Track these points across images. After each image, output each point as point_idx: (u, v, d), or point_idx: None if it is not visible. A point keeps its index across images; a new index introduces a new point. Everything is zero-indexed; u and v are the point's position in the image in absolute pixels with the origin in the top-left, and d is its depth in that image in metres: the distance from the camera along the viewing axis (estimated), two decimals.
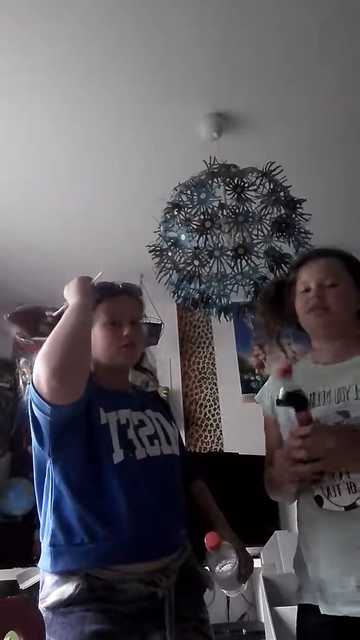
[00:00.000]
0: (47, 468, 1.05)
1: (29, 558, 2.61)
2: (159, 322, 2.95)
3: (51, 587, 0.99)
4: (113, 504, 1.01)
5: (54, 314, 1.19)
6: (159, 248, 1.89)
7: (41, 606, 0.98)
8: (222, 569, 1.01)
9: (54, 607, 0.96)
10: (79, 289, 1.12)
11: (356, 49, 1.79)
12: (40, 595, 1.02)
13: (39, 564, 1.04)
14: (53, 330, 1.03)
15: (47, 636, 0.95)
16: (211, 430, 3.29)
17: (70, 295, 1.12)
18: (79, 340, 1.02)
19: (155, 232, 1.90)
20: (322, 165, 2.40)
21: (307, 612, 1.01)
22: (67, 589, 0.96)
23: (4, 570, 2.55)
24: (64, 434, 1.02)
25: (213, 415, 3.31)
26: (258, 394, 1.28)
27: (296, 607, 1.08)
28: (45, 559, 1.01)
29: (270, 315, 1.26)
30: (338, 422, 1.00)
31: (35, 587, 2.52)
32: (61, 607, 0.96)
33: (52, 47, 1.71)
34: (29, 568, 2.46)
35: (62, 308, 1.14)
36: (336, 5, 1.63)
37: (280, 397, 0.97)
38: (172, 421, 1.23)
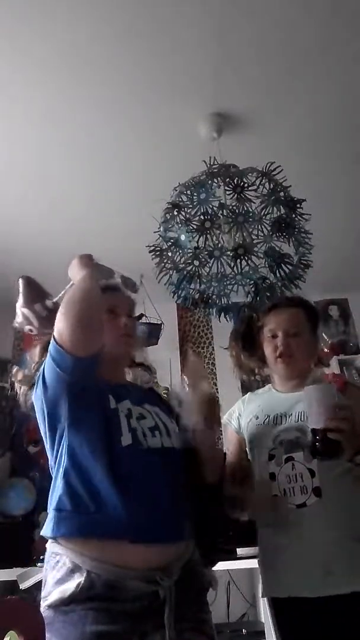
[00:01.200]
0: (62, 436, 1.08)
1: (29, 558, 2.61)
2: (159, 322, 2.95)
3: (53, 586, 0.99)
4: (121, 481, 1.02)
5: (55, 299, 1.26)
6: (159, 248, 1.89)
7: (43, 605, 0.99)
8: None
9: (56, 606, 0.97)
10: (83, 263, 1.20)
11: (356, 49, 1.79)
12: (42, 593, 1.02)
13: (42, 532, 1.05)
14: (67, 295, 1.10)
15: (48, 635, 0.95)
16: None
17: (77, 271, 1.18)
18: (94, 301, 1.10)
19: (155, 232, 1.90)
20: (322, 165, 2.40)
21: (276, 603, 1.22)
22: (69, 587, 0.96)
23: (4, 570, 2.55)
24: (81, 404, 1.07)
25: None
26: (226, 416, 1.48)
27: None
28: (47, 525, 1.03)
29: (242, 352, 1.44)
30: (298, 436, 1.25)
31: (35, 587, 2.53)
32: (63, 605, 0.96)
33: (52, 47, 1.71)
34: (29, 568, 2.46)
35: (60, 295, 1.19)
36: (336, 5, 1.63)
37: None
38: (172, 416, 1.24)
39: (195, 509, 1.14)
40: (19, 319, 1.28)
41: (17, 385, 1.21)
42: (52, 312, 1.20)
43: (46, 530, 1.03)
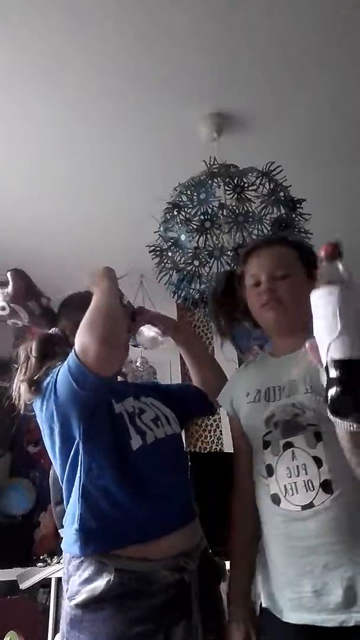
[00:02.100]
0: (77, 453, 1.06)
1: (29, 558, 2.61)
2: None
3: (80, 585, 0.99)
4: (139, 487, 1.04)
5: (51, 299, 1.24)
6: (159, 248, 1.89)
7: (70, 604, 0.99)
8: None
9: (85, 605, 0.97)
10: (108, 276, 1.16)
11: (356, 49, 1.79)
12: (67, 593, 1.02)
13: (66, 550, 1.05)
14: (92, 305, 1.04)
15: (76, 634, 0.97)
16: (211, 430, 3.29)
17: (100, 282, 1.14)
18: (120, 318, 1.06)
19: (155, 232, 1.90)
20: (322, 165, 2.40)
21: (267, 615, 0.99)
22: (99, 585, 0.96)
23: (4, 570, 2.55)
24: (93, 420, 1.05)
25: (213, 416, 3.31)
26: (220, 395, 1.22)
27: None
28: (73, 545, 1.02)
29: (223, 313, 1.18)
30: (296, 413, 0.98)
31: (36, 587, 2.53)
32: (93, 603, 0.97)
33: (52, 47, 1.71)
34: (29, 568, 2.46)
35: (60, 296, 1.17)
36: (336, 5, 1.63)
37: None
38: (165, 403, 1.26)
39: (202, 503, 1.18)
40: (3, 311, 1.23)
41: (16, 384, 1.18)
42: (46, 310, 1.19)
43: (72, 549, 1.02)
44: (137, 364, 2.90)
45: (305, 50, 1.79)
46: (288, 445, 0.97)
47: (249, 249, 1.15)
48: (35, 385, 1.10)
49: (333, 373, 0.62)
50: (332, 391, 0.62)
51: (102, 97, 1.93)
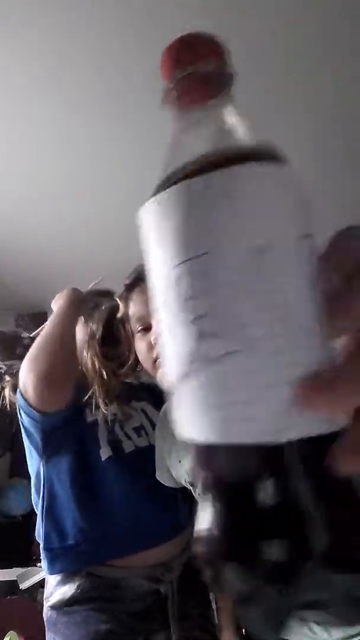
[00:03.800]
0: (40, 471, 1.05)
1: (29, 558, 2.61)
2: None
3: (54, 587, 1.00)
4: (104, 500, 1.00)
5: (32, 334, 1.17)
6: None
7: (46, 605, 0.99)
8: None
9: (58, 607, 0.97)
10: (63, 296, 1.10)
11: (356, 48, 1.79)
12: (45, 594, 1.02)
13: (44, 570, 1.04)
14: (38, 337, 1.01)
15: (51, 635, 0.96)
16: None
17: (55, 303, 1.11)
18: (64, 345, 0.99)
19: None
20: (322, 165, 2.40)
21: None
22: (69, 589, 0.96)
23: (4, 570, 2.55)
24: (55, 437, 1.01)
25: None
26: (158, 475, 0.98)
27: None
28: (43, 563, 1.02)
29: (106, 370, 0.93)
30: None
31: (36, 587, 2.53)
32: (65, 606, 0.96)
33: (52, 47, 1.71)
34: (29, 568, 2.46)
35: (39, 330, 1.13)
36: (337, 4, 1.63)
37: None
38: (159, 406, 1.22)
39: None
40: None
41: (6, 389, 1.16)
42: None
43: (44, 567, 1.02)
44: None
45: (305, 50, 1.79)
46: None
47: (131, 282, 0.89)
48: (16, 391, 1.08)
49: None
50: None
51: (102, 97, 1.93)
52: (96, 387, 0.97)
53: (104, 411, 1.02)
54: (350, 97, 2.01)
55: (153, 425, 1.13)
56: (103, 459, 1.02)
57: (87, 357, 0.97)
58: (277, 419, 0.20)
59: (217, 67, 0.27)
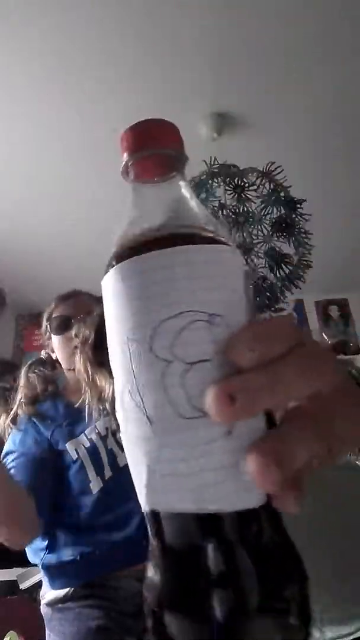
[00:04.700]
0: None
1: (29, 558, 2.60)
2: None
3: (48, 586, 1.02)
4: (99, 525, 1.01)
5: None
6: None
7: (42, 603, 1.01)
8: None
9: (52, 604, 0.99)
10: None
11: (356, 48, 1.79)
12: (41, 592, 1.05)
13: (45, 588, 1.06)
14: None
15: (48, 632, 0.98)
16: None
17: None
18: None
19: None
20: (322, 164, 2.40)
21: None
22: (62, 590, 0.99)
23: (4, 570, 2.55)
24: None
25: None
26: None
27: None
28: (44, 584, 1.04)
29: (103, 374, 0.91)
30: None
31: (36, 587, 2.52)
32: (59, 603, 0.98)
33: (52, 47, 1.71)
34: (29, 568, 2.45)
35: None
36: (336, 4, 1.63)
37: None
38: None
39: None
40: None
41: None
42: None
43: (45, 589, 1.03)
44: None
45: (305, 50, 1.79)
46: None
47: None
48: (13, 422, 1.10)
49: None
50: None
51: (102, 98, 1.93)
52: (89, 393, 0.94)
53: (96, 419, 1.01)
54: (350, 97, 2.01)
55: None
56: (94, 492, 1.02)
57: (80, 362, 0.95)
58: (203, 490, 0.22)
59: (174, 151, 0.29)
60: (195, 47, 1.75)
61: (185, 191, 0.29)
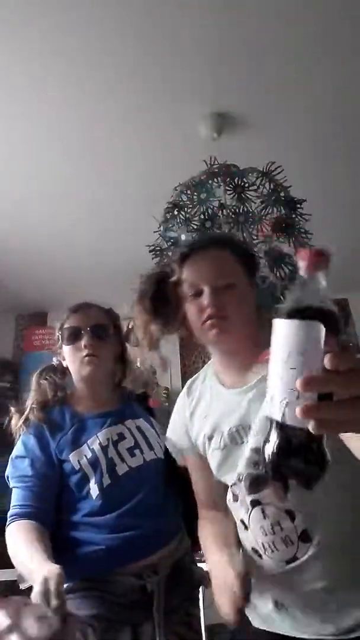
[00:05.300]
0: None
1: None
2: None
3: None
4: (96, 526, 1.09)
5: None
6: (159, 248, 1.89)
7: None
8: None
9: None
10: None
11: (356, 48, 1.79)
12: None
13: None
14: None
15: None
16: None
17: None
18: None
19: (155, 232, 1.90)
20: (322, 165, 2.40)
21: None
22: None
23: (4, 570, 2.55)
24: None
25: None
26: (170, 429, 1.09)
27: None
28: None
29: (154, 324, 0.99)
30: (256, 462, 0.86)
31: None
32: None
33: (52, 47, 1.71)
34: None
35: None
36: (336, 4, 1.63)
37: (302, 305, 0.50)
38: (155, 422, 1.30)
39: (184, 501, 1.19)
40: None
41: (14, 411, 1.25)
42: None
43: None
44: (137, 364, 2.89)
45: (305, 50, 1.79)
46: (256, 502, 0.87)
47: (187, 252, 1.00)
48: (26, 424, 1.20)
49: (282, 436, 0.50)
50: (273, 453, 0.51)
51: (102, 98, 1.93)
52: (142, 337, 1.02)
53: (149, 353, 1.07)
54: (350, 97, 2.01)
55: (147, 442, 1.21)
56: (94, 497, 1.10)
57: (137, 312, 1.01)
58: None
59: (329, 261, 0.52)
60: (195, 47, 1.75)
61: (324, 280, 0.52)
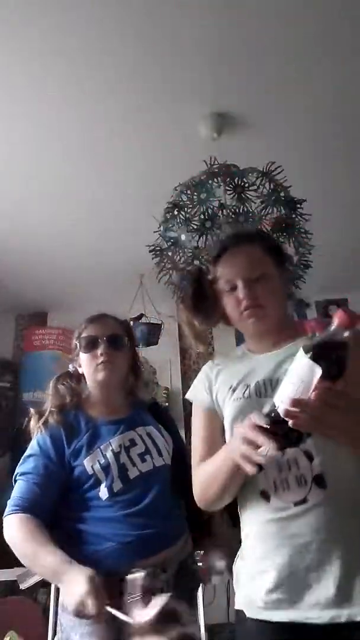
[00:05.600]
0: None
1: None
2: (159, 322, 2.95)
3: None
4: (107, 526, 1.16)
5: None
6: (159, 248, 1.89)
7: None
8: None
9: None
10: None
11: (356, 48, 1.79)
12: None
13: None
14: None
15: (59, 610, 1.15)
16: None
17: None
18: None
19: (155, 232, 1.90)
20: (322, 164, 2.40)
21: (240, 618, 0.96)
22: None
23: (4, 570, 2.55)
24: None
25: None
26: (191, 390, 1.16)
27: None
28: None
29: (198, 319, 1.10)
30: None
31: (36, 587, 2.53)
32: None
33: (52, 47, 1.71)
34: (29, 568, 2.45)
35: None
36: (336, 4, 1.63)
37: (318, 341, 0.74)
38: (163, 430, 1.37)
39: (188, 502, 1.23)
40: None
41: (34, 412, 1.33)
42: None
43: None
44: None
45: (304, 50, 1.79)
46: None
47: (218, 252, 1.12)
48: (45, 425, 1.28)
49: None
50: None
51: (102, 98, 1.93)
52: (188, 332, 1.12)
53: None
54: (350, 97, 2.01)
55: (157, 449, 1.28)
56: (103, 499, 1.18)
57: (180, 310, 1.17)
58: None
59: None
60: (195, 47, 1.75)
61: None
